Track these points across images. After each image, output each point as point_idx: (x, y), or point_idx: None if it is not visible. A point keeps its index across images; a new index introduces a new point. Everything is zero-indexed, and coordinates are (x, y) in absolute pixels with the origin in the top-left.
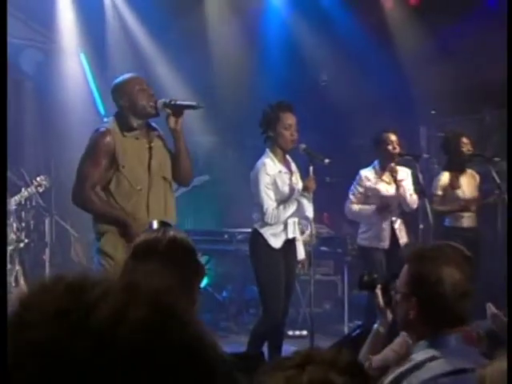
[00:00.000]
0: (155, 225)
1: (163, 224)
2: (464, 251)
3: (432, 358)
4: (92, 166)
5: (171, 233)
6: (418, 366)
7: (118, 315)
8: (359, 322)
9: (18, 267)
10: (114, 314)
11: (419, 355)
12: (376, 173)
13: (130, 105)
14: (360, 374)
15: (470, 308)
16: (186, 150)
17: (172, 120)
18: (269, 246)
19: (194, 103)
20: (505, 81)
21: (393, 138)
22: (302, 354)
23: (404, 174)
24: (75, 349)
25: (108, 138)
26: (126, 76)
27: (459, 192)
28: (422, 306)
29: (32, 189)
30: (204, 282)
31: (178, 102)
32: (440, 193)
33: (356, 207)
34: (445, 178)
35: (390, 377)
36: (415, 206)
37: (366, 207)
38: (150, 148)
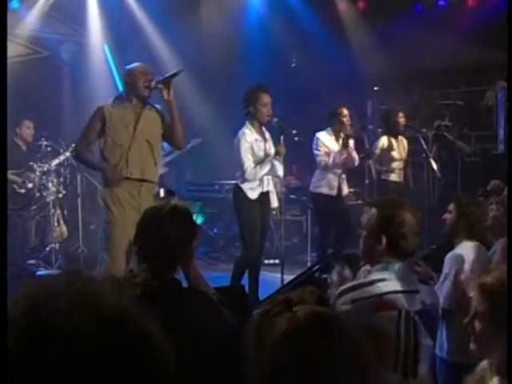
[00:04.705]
0: (162, 193)
1: (168, 192)
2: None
3: (382, 280)
4: (87, 130)
5: (173, 201)
6: (371, 283)
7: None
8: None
9: (58, 211)
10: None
11: (373, 275)
12: (329, 136)
13: (131, 82)
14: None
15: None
16: (178, 118)
17: (164, 93)
18: (247, 197)
19: (175, 71)
20: (430, 67)
21: (345, 111)
22: (281, 300)
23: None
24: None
25: (100, 111)
26: (137, 64)
27: (394, 153)
28: (387, 241)
29: (67, 153)
30: (199, 221)
31: (164, 76)
32: (378, 152)
33: (324, 159)
34: (383, 141)
35: (348, 285)
36: (356, 163)
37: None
38: (139, 115)
